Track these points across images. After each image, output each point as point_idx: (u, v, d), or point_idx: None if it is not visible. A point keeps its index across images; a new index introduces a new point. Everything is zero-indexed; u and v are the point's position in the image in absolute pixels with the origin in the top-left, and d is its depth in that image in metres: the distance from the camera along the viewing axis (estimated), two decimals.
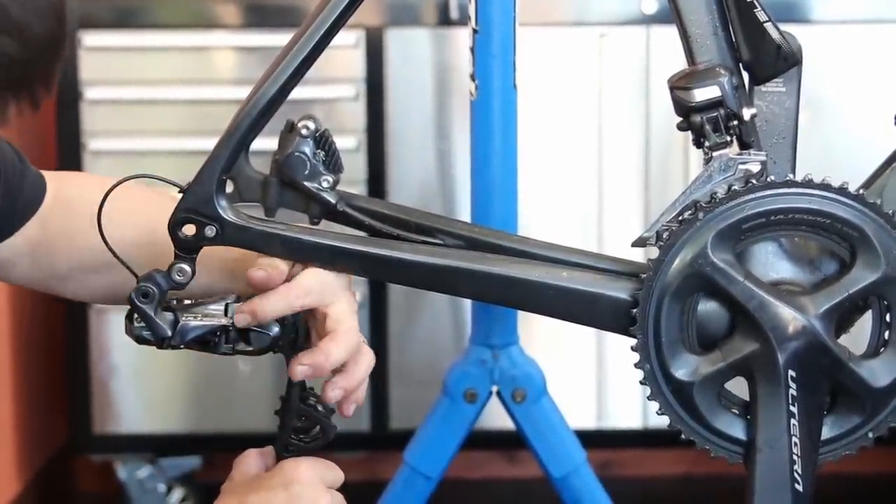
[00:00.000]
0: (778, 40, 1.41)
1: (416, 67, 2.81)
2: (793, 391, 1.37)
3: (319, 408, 1.37)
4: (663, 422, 1.41)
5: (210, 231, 1.37)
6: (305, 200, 1.40)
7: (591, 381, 2.88)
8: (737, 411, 1.41)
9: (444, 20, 2.79)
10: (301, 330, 1.40)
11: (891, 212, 1.37)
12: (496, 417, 1.99)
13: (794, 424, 1.37)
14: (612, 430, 2.91)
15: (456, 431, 1.90)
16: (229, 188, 1.39)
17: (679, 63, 1.44)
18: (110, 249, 1.37)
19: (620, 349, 1.41)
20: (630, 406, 2.89)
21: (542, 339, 2.45)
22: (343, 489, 1.30)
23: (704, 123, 1.39)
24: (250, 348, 1.38)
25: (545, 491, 2.00)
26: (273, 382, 2.84)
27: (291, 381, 1.36)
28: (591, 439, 2.21)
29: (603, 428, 2.90)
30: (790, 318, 1.36)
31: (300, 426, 1.37)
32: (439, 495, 1.93)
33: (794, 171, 1.42)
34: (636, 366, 1.39)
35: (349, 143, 2.78)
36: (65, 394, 2.95)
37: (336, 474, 1.30)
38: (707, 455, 1.42)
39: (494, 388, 1.89)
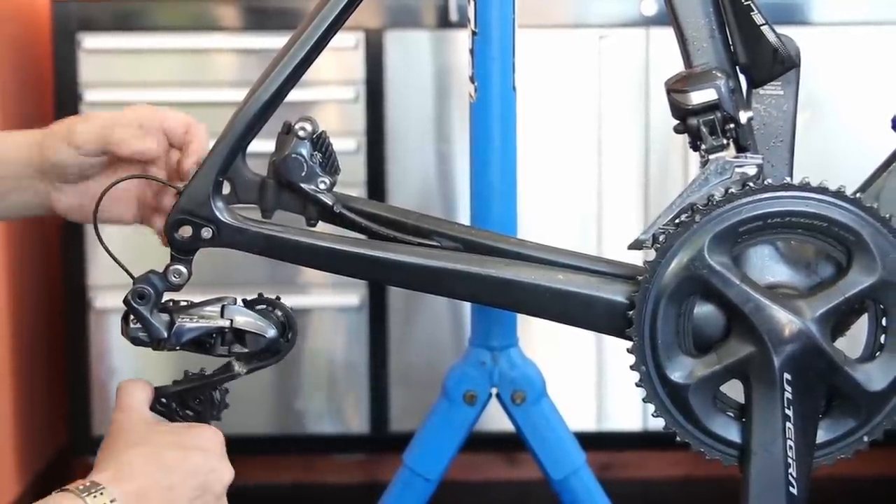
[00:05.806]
0: (775, 43, 1.41)
1: (416, 69, 2.81)
2: (788, 394, 1.36)
3: (216, 400, 1.39)
4: (663, 424, 1.41)
5: (206, 233, 1.37)
6: (302, 202, 1.40)
7: (590, 382, 2.88)
8: (732, 414, 1.41)
9: (444, 22, 2.79)
10: (295, 334, 1.40)
11: (887, 215, 1.36)
12: (496, 419, 1.98)
13: (789, 428, 1.37)
14: (611, 432, 2.91)
15: (455, 433, 1.89)
16: (226, 190, 1.39)
17: (679, 65, 1.44)
18: (105, 249, 1.38)
19: (620, 351, 1.41)
20: (630, 408, 2.89)
21: (542, 340, 2.45)
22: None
23: (701, 126, 1.39)
24: (246, 350, 1.38)
25: (545, 493, 1.99)
26: (272, 384, 2.84)
27: (223, 368, 1.37)
28: (591, 441, 2.21)
29: (603, 430, 2.90)
30: (786, 321, 1.36)
31: (189, 403, 1.38)
32: (439, 497, 1.92)
33: (791, 174, 1.42)
34: (632, 368, 1.39)
35: (349, 145, 2.78)
36: (64, 396, 2.95)
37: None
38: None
39: (494, 390, 1.89)
